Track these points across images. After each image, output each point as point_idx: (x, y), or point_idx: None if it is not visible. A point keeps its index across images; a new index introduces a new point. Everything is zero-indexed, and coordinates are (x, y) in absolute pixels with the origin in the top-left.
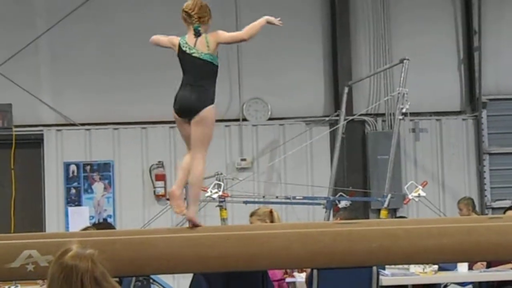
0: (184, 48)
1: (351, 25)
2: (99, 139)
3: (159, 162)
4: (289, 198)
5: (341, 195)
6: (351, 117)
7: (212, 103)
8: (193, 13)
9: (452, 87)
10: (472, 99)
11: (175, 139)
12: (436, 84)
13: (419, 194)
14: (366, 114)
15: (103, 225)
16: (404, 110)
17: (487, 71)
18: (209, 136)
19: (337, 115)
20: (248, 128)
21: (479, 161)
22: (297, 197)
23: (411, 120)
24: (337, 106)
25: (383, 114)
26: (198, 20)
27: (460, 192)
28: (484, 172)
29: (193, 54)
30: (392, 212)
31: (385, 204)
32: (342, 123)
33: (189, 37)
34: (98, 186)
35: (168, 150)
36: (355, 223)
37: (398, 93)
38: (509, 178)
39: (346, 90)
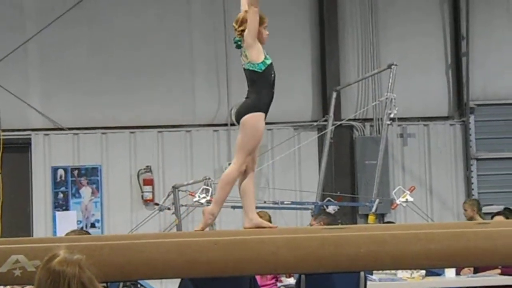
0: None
1: (339, 30)
2: (87, 143)
3: (147, 166)
4: (277, 203)
5: (329, 200)
6: (339, 122)
7: (252, 111)
8: (235, 27)
9: (440, 92)
10: (460, 105)
11: (163, 143)
12: (424, 89)
13: (406, 199)
14: (354, 119)
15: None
16: (392, 115)
17: (475, 76)
18: (247, 143)
19: (325, 120)
20: (236, 133)
21: (467, 166)
22: (285, 202)
23: (399, 125)
24: (325, 111)
25: (371, 119)
26: (239, 33)
27: (448, 197)
28: (472, 177)
29: (242, 66)
30: (380, 217)
31: (373, 209)
32: (330, 128)
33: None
34: (86, 191)
35: (156, 155)
36: (343, 228)
37: (386, 98)
38: (496, 183)
39: (334, 95)
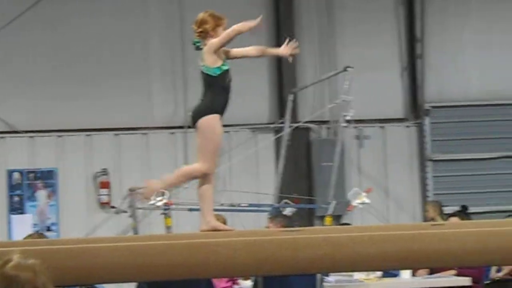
0: None
1: (296, 32)
2: (43, 146)
3: (104, 169)
4: (234, 205)
5: (286, 202)
6: (296, 124)
7: (207, 113)
8: (194, 29)
9: (396, 94)
10: (415, 107)
11: (120, 146)
12: (380, 92)
13: (363, 201)
14: (311, 121)
15: (35, 236)
16: (348, 118)
17: (430, 78)
18: (207, 146)
19: (282, 122)
20: (194, 135)
21: (422, 168)
22: (242, 204)
23: (355, 127)
24: (282, 113)
25: (327, 121)
26: (199, 35)
27: (404, 198)
28: (427, 179)
29: (199, 68)
30: (337, 219)
31: (330, 211)
32: (287, 130)
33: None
34: (42, 194)
35: (113, 158)
36: (300, 231)
37: (342, 100)
38: (451, 185)
39: (291, 97)
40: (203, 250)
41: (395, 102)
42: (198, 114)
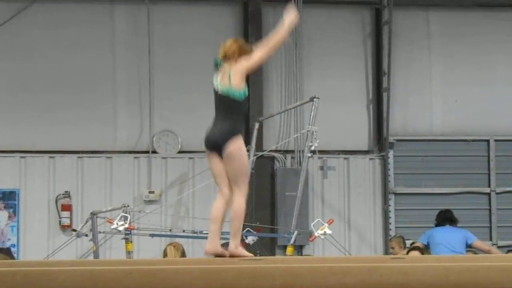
0: (214, 84)
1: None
2: (5, 167)
3: (66, 192)
4: (196, 232)
5: (248, 231)
6: (261, 153)
7: (233, 137)
8: (224, 50)
9: (361, 126)
10: (380, 139)
11: (83, 169)
12: (345, 123)
13: (325, 231)
14: (275, 151)
15: (3, 251)
16: (313, 148)
17: (395, 112)
18: (242, 168)
19: (247, 150)
20: (158, 161)
21: (385, 200)
22: (204, 232)
23: (319, 158)
24: (247, 141)
25: (292, 151)
26: (223, 57)
27: (366, 230)
28: (390, 211)
29: (218, 89)
30: (299, 249)
31: (291, 241)
32: (251, 158)
33: (220, 73)
34: (2, 215)
35: (75, 180)
36: (260, 260)
37: (308, 130)
38: (413, 218)
39: (256, 125)
40: (161, 276)
41: (360, 134)
42: (224, 137)
